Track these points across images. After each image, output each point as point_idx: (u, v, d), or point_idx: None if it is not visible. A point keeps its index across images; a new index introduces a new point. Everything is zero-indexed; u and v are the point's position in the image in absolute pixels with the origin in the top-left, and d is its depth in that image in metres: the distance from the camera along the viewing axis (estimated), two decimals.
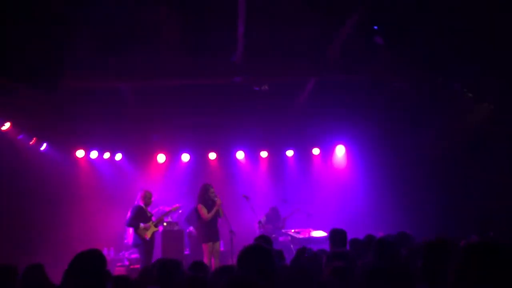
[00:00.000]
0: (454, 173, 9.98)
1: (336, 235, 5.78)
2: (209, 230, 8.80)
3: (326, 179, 11.99)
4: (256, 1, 6.98)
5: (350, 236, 5.86)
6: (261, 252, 3.22)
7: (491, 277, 2.03)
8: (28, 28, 6.61)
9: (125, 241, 10.22)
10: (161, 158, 11.71)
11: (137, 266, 9.43)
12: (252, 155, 12.11)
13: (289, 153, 12.14)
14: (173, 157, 11.83)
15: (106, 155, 11.43)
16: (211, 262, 8.63)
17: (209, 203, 8.85)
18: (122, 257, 10.16)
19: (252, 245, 3.38)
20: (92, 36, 7.87)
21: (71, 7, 6.94)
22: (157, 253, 9.01)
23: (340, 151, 12.15)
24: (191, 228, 10.17)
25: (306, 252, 5.13)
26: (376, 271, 3.00)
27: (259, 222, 9.75)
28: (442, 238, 3.39)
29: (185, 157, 11.80)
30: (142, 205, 8.93)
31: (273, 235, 9.96)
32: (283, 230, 10.17)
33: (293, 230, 9.88)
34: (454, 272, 2.12)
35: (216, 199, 8.84)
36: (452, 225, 9.24)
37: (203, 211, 8.78)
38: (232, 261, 7.55)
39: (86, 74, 8.81)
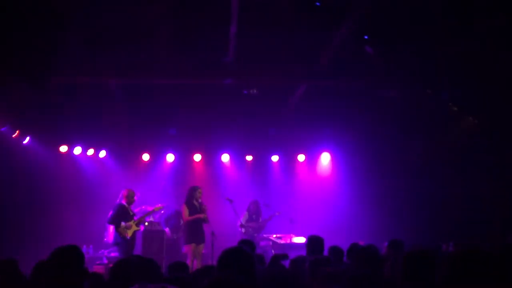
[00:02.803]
0: (438, 182, 10.07)
1: (314, 242, 5.78)
2: (193, 232, 8.80)
3: (310, 186, 11.99)
4: (249, 3, 6.99)
5: (332, 243, 5.85)
6: (242, 255, 3.20)
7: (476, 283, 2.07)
8: (20, 24, 6.55)
9: (105, 239, 10.10)
10: (145, 157, 11.63)
11: None
12: (237, 158, 12.06)
13: (274, 158, 12.14)
14: (158, 156, 11.74)
15: (90, 151, 11.31)
16: (194, 264, 8.59)
17: (194, 205, 8.85)
18: (101, 255, 10.03)
19: (233, 248, 3.37)
20: (83, 33, 7.82)
21: (64, 4, 6.90)
22: (137, 253, 8.92)
23: (325, 158, 12.18)
24: (167, 229, 10.11)
25: (281, 259, 5.11)
26: (358, 278, 3.00)
27: (241, 224, 9.76)
28: (421, 248, 3.42)
29: (170, 157, 11.72)
30: (125, 203, 8.85)
31: (255, 234, 9.95)
32: (264, 235, 10.14)
33: (274, 235, 9.86)
34: (442, 279, 2.14)
35: (202, 207, 8.86)
36: (434, 233, 9.31)
37: (186, 212, 8.80)
38: (213, 263, 7.50)
39: (76, 71, 8.76)
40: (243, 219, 10.07)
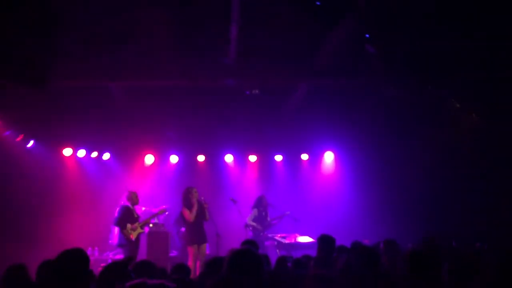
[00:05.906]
0: (442, 180, 10.05)
1: (325, 241, 5.78)
2: (194, 232, 8.79)
3: (314, 185, 11.99)
4: (250, 5, 7.00)
5: (337, 242, 5.85)
6: (251, 257, 3.20)
7: None
8: (18, 25, 6.57)
9: (110, 241, 10.11)
10: (149, 159, 11.65)
11: None
12: (241, 158, 12.08)
13: (278, 158, 12.14)
14: (162, 158, 11.76)
15: (94, 154, 11.34)
16: (196, 265, 8.60)
17: (193, 205, 8.84)
18: (106, 257, 10.05)
19: (242, 250, 3.37)
20: (83, 35, 7.84)
21: (63, 5, 6.92)
22: (141, 255, 8.95)
23: (328, 157, 12.17)
24: (183, 229, 10.09)
25: (288, 261, 5.11)
26: (359, 278, 3.01)
27: (246, 225, 9.74)
28: (427, 246, 3.44)
29: (174, 159, 11.74)
30: (129, 205, 8.88)
31: (261, 233, 9.91)
32: (269, 235, 10.12)
33: (279, 235, 9.85)
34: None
35: (202, 201, 8.85)
36: (438, 231, 9.29)
37: (187, 213, 8.78)
38: None
39: (76, 73, 8.77)
40: (250, 218, 10.01)
